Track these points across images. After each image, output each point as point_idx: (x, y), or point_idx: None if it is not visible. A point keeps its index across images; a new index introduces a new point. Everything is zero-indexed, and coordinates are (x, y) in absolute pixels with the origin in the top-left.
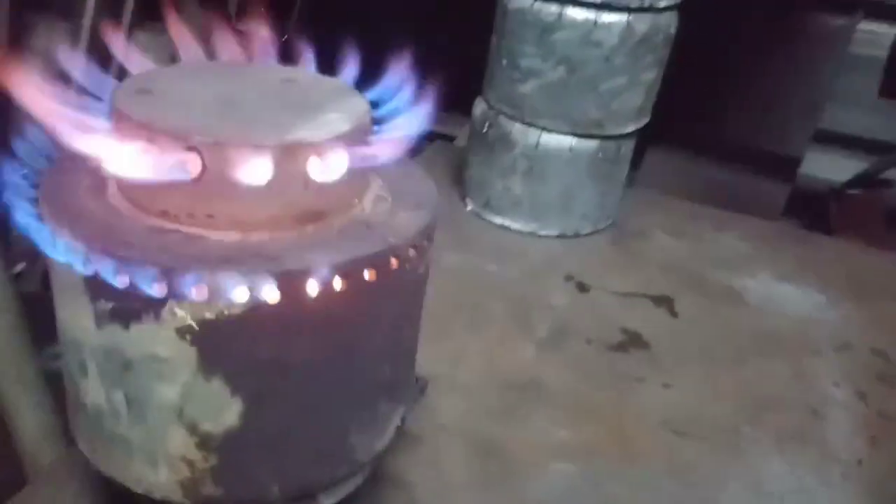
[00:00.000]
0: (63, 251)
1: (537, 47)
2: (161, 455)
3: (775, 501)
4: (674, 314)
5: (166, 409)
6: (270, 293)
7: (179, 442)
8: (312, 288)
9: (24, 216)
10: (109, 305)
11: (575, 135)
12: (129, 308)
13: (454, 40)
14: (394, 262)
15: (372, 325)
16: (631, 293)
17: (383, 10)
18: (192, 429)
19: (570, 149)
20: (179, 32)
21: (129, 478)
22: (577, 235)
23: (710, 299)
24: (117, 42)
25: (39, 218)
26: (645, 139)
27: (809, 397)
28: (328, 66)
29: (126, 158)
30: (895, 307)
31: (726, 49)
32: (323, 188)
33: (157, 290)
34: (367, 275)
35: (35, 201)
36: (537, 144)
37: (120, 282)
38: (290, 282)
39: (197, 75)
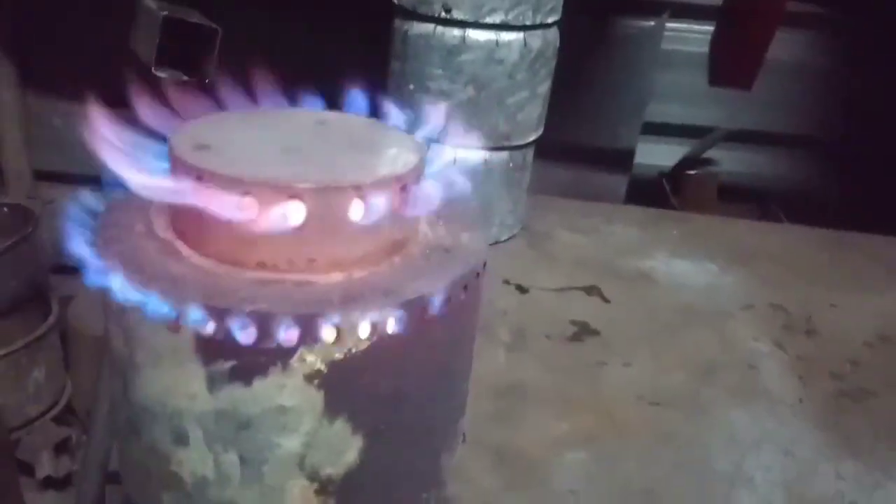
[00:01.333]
0: (173, 316)
1: (444, 69)
2: None
3: (752, 448)
4: (606, 300)
5: (287, 461)
6: (393, 325)
7: (298, 493)
8: (426, 315)
9: (122, 288)
10: (229, 364)
11: (488, 149)
12: (253, 364)
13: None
14: (476, 280)
15: (463, 343)
16: (563, 288)
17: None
18: (313, 476)
19: (485, 161)
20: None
21: None
22: (496, 242)
23: (628, 283)
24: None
25: (135, 284)
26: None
27: (741, 354)
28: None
29: (231, 214)
30: (771, 266)
31: (563, 56)
32: (403, 220)
33: (291, 338)
34: (462, 295)
35: (124, 268)
36: (454, 161)
37: (249, 337)
38: (410, 310)
39: (239, 125)
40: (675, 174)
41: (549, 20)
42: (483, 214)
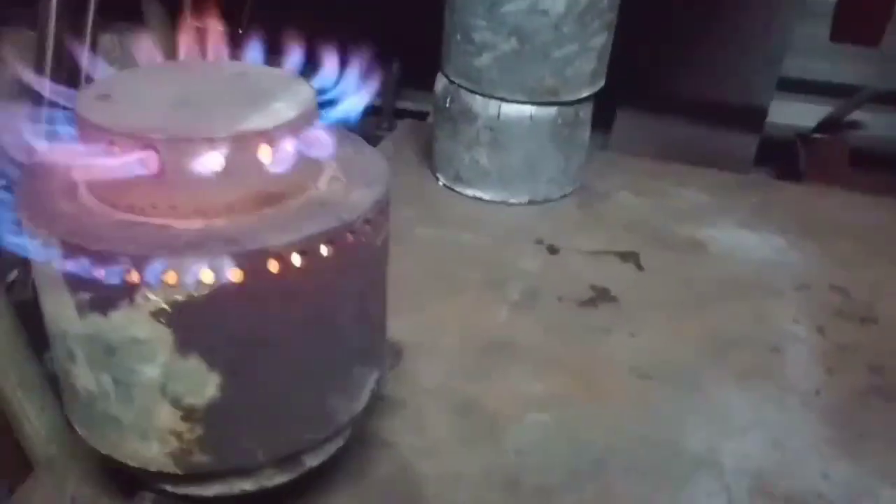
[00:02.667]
0: (41, 251)
1: (488, 20)
2: (150, 430)
3: (736, 433)
4: (640, 268)
5: (150, 387)
6: (233, 273)
7: (166, 416)
8: (272, 266)
9: (4, 224)
10: (88, 296)
11: (533, 103)
12: (105, 297)
13: (419, 18)
14: (349, 237)
15: (336, 296)
16: (598, 251)
17: None
18: (176, 403)
19: (531, 117)
20: (140, 36)
21: (124, 454)
22: (546, 201)
23: (673, 252)
24: (80, 50)
25: (18, 223)
26: (614, 102)
27: (769, 335)
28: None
29: (90, 161)
30: (852, 245)
31: (688, 4)
32: (276, 173)
33: (129, 278)
34: (325, 250)
35: (13, 208)
36: (498, 115)
37: (95, 274)
38: (250, 261)
39: (153, 77)
40: (809, 136)
41: None
42: (531, 173)
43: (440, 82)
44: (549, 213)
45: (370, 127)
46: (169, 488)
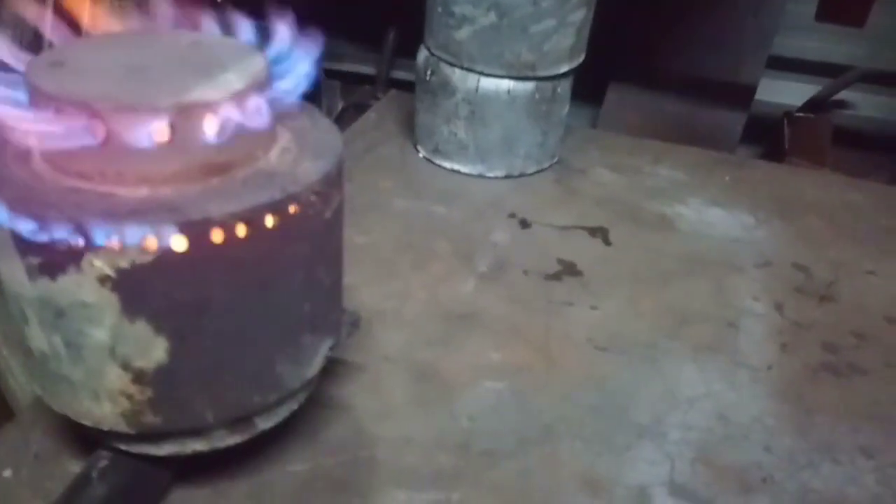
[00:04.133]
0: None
1: None
2: (102, 391)
3: (684, 405)
4: (607, 243)
5: (99, 349)
6: (175, 241)
7: (115, 378)
8: (216, 235)
9: None
10: (37, 260)
11: (511, 77)
12: (53, 262)
13: None
14: (294, 207)
15: (280, 265)
16: (569, 226)
17: None
18: (126, 366)
19: (508, 91)
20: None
21: (78, 413)
22: (521, 175)
23: (642, 227)
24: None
25: None
26: (604, 77)
27: (727, 311)
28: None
29: (39, 127)
30: (819, 224)
31: None
32: (221, 143)
33: (75, 244)
34: (269, 221)
35: None
36: (476, 89)
37: (41, 238)
38: (192, 230)
39: (110, 45)
40: (794, 116)
41: None
42: (508, 148)
43: (421, 54)
44: (525, 187)
45: (366, 96)
46: (123, 447)
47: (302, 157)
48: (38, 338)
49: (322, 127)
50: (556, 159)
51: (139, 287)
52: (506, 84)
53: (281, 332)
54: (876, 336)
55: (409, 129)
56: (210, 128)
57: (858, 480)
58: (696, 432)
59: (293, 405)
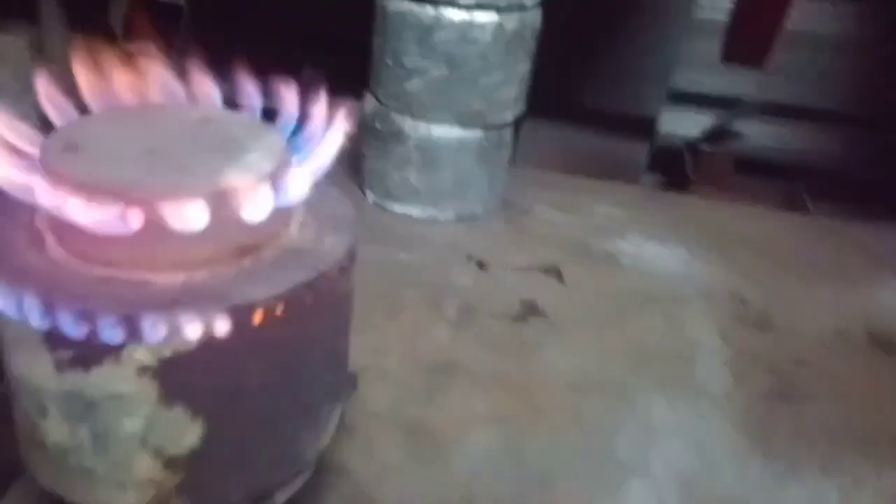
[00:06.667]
0: (16, 309)
1: (419, 47)
2: (128, 481)
3: (661, 437)
4: (562, 282)
5: (130, 439)
6: (220, 327)
7: (145, 467)
8: (257, 318)
9: None
10: (69, 354)
11: (461, 126)
12: (89, 355)
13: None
14: (324, 285)
15: (312, 341)
16: (524, 267)
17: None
18: (157, 454)
19: (459, 139)
20: (88, 75)
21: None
22: (472, 218)
23: (590, 265)
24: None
25: None
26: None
27: (680, 345)
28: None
29: (65, 214)
30: (745, 253)
31: (581, 20)
32: (256, 225)
33: (116, 336)
34: (305, 300)
35: None
36: (428, 137)
37: (79, 332)
38: (237, 315)
39: (118, 124)
40: (696, 145)
41: (528, 2)
42: (458, 192)
43: (369, 103)
44: (477, 229)
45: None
46: None
47: (322, 231)
48: (58, 431)
49: (333, 197)
50: (501, 200)
51: (179, 375)
52: (457, 132)
53: (305, 406)
54: (814, 361)
55: (353, 173)
56: (246, 211)
57: (824, 498)
58: (677, 465)
59: (307, 475)
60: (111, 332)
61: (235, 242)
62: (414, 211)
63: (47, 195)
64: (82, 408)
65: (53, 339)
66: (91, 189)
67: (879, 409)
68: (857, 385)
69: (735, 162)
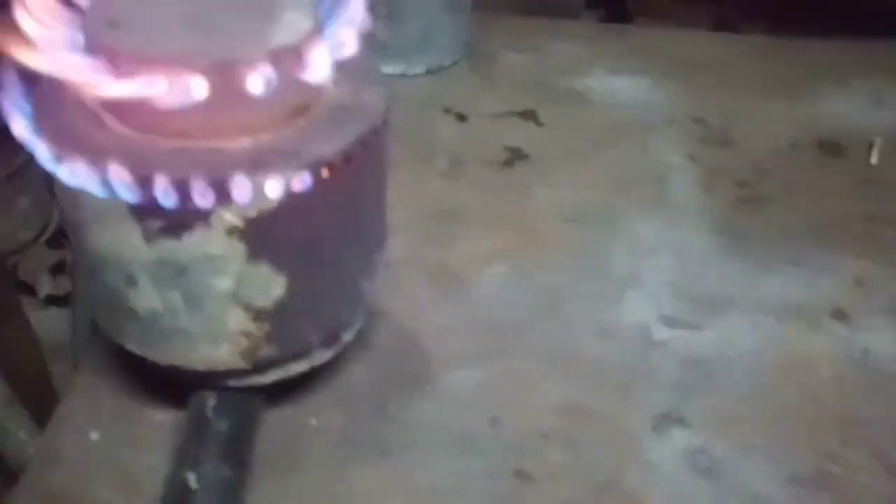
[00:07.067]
0: (104, 185)
1: None
2: (221, 335)
3: (650, 253)
4: (540, 124)
5: (222, 296)
6: (299, 184)
7: (237, 320)
8: (327, 172)
9: (58, 163)
10: (159, 224)
11: None
12: (179, 223)
13: None
14: (375, 136)
15: (368, 190)
16: (501, 113)
17: None
18: (247, 307)
19: None
20: None
21: (191, 361)
22: (440, 69)
23: (562, 105)
24: None
25: (57, 156)
26: None
27: (654, 168)
28: None
29: (129, 90)
30: (700, 77)
31: None
32: (312, 84)
33: (208, 201)
34: (362, 152)
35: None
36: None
37: (174, 202)
38: (311, 171)
39: None
40: None
41: None
42: (426, 43)
43: None
44: (447, 80)
45: None
46: (231, 383)
47: (357, 86)
48: (148, 297)
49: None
50: (465, 48)
51: (264, 232)
52: None
53: (365, 251)
54: (772, 170)
55: None
56: (303, 70)
57: (792, 285)
58: (665, 274)
59: (365, 316)
60: (203, 198)
61: (293, 103)
62: (384, 68)
63: (110, 76)
64: (174, 273)
65: (141, 210)
66: (154, 64)
67: (834, 206)
68: (813, 187)
69: None
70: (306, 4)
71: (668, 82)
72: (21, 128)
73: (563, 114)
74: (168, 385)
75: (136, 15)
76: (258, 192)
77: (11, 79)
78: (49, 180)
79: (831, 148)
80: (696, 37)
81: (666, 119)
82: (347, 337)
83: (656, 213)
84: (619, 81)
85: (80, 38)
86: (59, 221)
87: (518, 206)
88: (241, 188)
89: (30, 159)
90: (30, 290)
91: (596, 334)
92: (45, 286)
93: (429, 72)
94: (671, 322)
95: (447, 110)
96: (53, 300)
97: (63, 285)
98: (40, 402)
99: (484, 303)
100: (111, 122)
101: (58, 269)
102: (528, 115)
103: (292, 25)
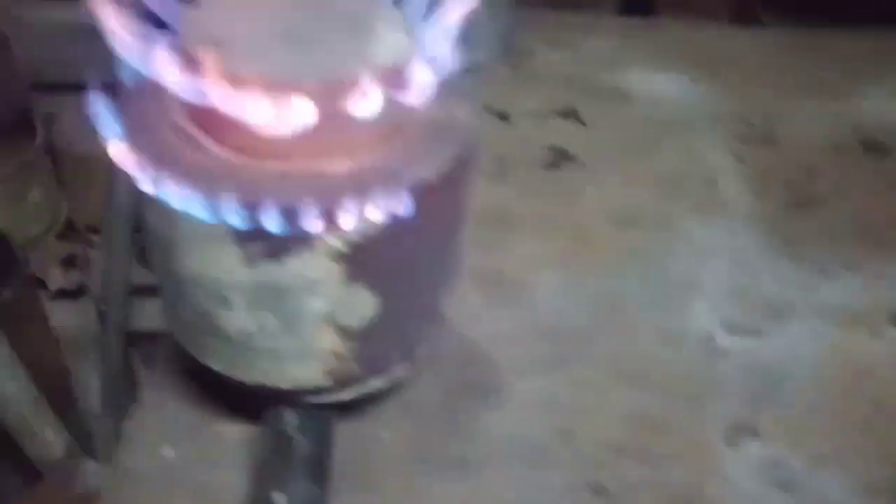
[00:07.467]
0: (211, 209)
1: None
2: (311, 354)
3: (706, 256)
4: (582, 123)
5: (316, 317)
6: (404, 207)
7: (328, 340)
8: (428, 193)
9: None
10: (261, 247)
11: None
12: (282, 246)
13: None
14: (470, 155)
15: (459, 208)
16: (543, 113)
17: None
18: (338, 328)
19: None
20: None
21: (278, 380)
22: (480, 66)
23: (605, 102)
24: None
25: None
26: None
27: (702, 169)
28: None
29: (232, 111)
30: (737, 73)
31: None
32: (410, 104)
33: (317, 227)
34: (460, 171)
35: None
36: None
37: (283, 227)
38: (413, 193)
39: (252, 6)
40: None
41: None
42: (466, 40)
43: None
44: (488, 78)
45: None
46: (311, 399)
47: (447, 102)
48: (240, 318)
49: None
50: (503, 45)
51: (363, 255)
52: None
53: (448, 268)
54: (820, 168)
55: None
56: (407, 95)
57: (849, 290)
58: (724, 279)
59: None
60: (312, 224)
61: (392, 123)
62: None
63: (214, 95)
64: (271, 295)
65: (244, 234)
66: (261, 86)
67: (884, 208)
68: (861, 188)
69: None
70: (400, 21)
71: (707, 79)
72: (117, 148)
73: (604, 112)
74: (238, 399)
75: (234, 33)
76: (364, 215)
77: (100, 98)
78: (60, 174)
79: (875, 147)
80: (729, 31)
81: (708, 117)
82: (422, 351)
83: (708, 216)
84: (657, 78)
85: (174, 58)
86: (69, 212)
87: (567, 208)
88: (348, 213)
89: (39, 152)
90: (41, 283)
91: (660, 342)
92: (57, 279)
93: (468, 69)
94: (733, 329)
95: (488, 108)
96: (64, 293)
97: (73, 278)
98: (60, 400)
99: (542, 309)
100: (208, 143)
101: (68, 262)
102: (570, 114)
103: (391, 43)
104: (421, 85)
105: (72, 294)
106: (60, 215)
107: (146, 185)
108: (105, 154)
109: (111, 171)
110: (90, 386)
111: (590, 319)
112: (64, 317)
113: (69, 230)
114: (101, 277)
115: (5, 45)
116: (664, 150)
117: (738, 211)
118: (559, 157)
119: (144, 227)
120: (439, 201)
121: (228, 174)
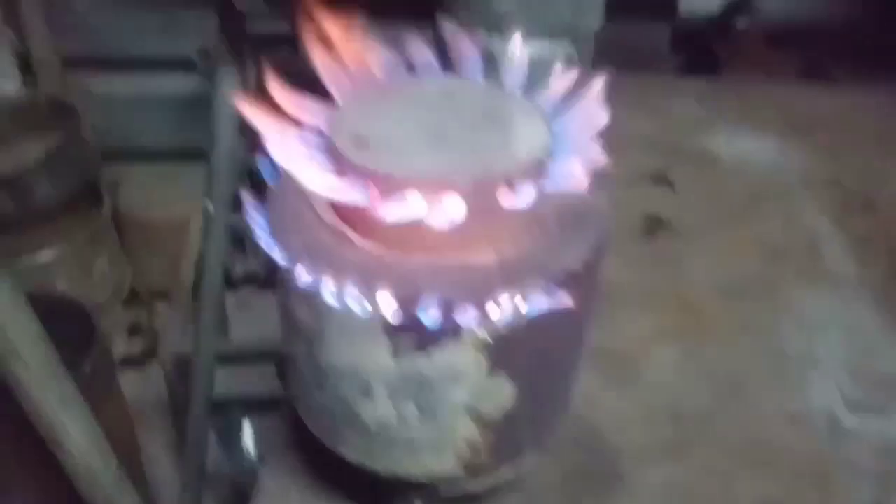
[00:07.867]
0: (365, 304)
1: None
2: (448, 445)
3: (819, 329)
4: (673, 189)
5: (457, 408)
6: (555, 299)
7: (466, 431)
8: (572, 284)
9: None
10: (411, 339)
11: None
12: (431, 339)
13: None
14: (606, 241)
15: (595, 293)
16: (632, 175)
17: None
18: (478, 418)
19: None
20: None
21: (413, 471)
22: None
23: (694, 167)
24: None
25: (316, 277)
26: None
27: (802, 235)
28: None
29: (384, 209)
30: (825, 134)
31: None
32: (553, 195)
33: (471, 321)
34: (597, 259)
35: (311, 261)
36: None
37: (439, 322)
38: (562, 285)
39: (384, 107)
40: (720, 21)
41: None
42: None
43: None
44: None
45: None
46: (441, 490)
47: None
48: (382, 409)
49: None
50: None
51: (507, 345)
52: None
53: (580, 358)
54: None
55: None
56: (549, 185)
57: None
58: (839, 353)
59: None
60: (466, 318)
61: (533, 216)
62: None
63: (371, 196)
64: (415, 386)
65: (396, 327)
66: (415, 185)
67: None
68: None
69: (764, 36)
70: (538, 112)
71: (794, 141)
72: (273, 250)
73: (695, 177)
74: (362, 485)
75: (381, 132)
76: (515, 308)
77: (251, 199)
78: (124, 241)
79: None
80: (805, 89)
81: (801, 181)
82: (549, 441)
83: (815, 285)
84: (744, 142)
85: (321, 158)
86: (133, 279)
87: (670, 279)
88: (500, 306)
89: (106, 220)
90: None
91: (782, 423)
92: (121, 347)
93: None
94: (856, 406)
95: None
96: (128, 361)
97: (137, 345)
98: (134, 474)
99: (659, 389)
100: (355, 237)
101: (133, 330)
102: (660, 179)
103: (532, 135)
104: (566, 175)
105: (136, 362)
106: (125, 283)
107: (301, 281)
108: (169, 221)
109: (187, 240)
110: (157, 457)
111: (709, 399)
112: (128, 386)
113: (133, 297)
114: (191, 347)
115: (74, 116)
116: (760, 217)
117: (843, 279)
118: (654, 225)
119: (285, 318)
120: (580, 290)
121: (382, 269)
